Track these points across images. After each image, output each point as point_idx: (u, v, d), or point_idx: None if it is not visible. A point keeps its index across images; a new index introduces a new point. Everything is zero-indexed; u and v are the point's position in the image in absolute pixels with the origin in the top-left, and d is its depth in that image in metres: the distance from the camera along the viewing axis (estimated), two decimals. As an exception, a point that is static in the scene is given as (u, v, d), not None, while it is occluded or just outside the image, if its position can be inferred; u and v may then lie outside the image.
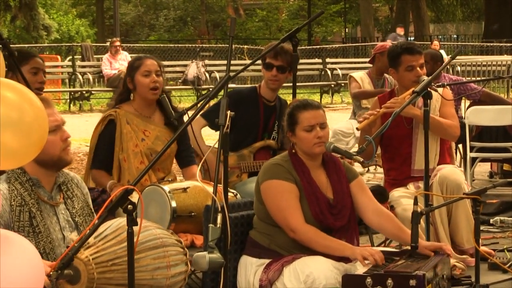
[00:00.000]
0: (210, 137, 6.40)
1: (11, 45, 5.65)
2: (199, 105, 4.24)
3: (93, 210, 4.28)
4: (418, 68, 6.10)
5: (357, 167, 10.05)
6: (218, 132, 4.05)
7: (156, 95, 5.60)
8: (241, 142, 6.08)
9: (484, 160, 9.27)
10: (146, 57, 5.73)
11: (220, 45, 31.60)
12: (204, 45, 32.91)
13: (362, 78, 9.30)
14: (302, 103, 4.88)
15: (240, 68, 6.09)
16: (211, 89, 4.56)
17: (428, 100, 5.33)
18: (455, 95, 8.67)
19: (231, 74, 4.21)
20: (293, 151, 4.84)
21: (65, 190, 4.16)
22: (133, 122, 5.60)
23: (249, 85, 6.05)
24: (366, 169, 10.58)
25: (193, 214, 5.08)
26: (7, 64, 4.95)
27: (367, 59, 12.51)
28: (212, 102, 5.80)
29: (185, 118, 5.15)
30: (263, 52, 5.69)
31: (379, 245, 6.04)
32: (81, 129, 14.14)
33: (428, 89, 5.29)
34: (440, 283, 4.55)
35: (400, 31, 29.26)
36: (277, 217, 4.69)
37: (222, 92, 4.19)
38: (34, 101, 3.25)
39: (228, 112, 4.02)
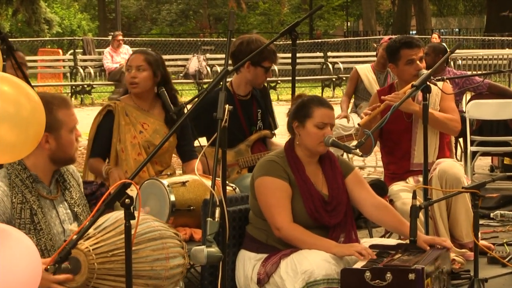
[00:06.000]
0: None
1: (10, 39, 5.66)
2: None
3: (87, 201, 4.28)
4: (417, 62, 6.07)
5: (357, 161, 10.15)
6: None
7: (135, 89, 5.60)
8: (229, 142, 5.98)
9: (484, 154, 9.25)
10: (136, 51, 5.76)
11: (221, 39, 31.60)
12: (205, 39, 32.90)
13: (366, 72, 9.33)
14: (318, 99, 4.85)
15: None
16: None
17: (428, 94, 5.30)
18: (459, 88, 8.67)
19: (230, 68, 4.20)
20: (297, 142, 4.76)
21: (62, 181, 4.15)
22: (132, 114, 5.61)
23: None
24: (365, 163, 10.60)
25: (192, 208, 5.06)
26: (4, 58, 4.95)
27: (369, 53, 12.53)
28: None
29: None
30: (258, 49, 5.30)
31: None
32: (83, 123, 13.91)
33: (427, 83, 5.26)
34: (440, 277, 4.54)
35: None
36: (266, 214, 4.67)
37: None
38: (31, 95, 3.25)
39: (227, 106, 4.00)
